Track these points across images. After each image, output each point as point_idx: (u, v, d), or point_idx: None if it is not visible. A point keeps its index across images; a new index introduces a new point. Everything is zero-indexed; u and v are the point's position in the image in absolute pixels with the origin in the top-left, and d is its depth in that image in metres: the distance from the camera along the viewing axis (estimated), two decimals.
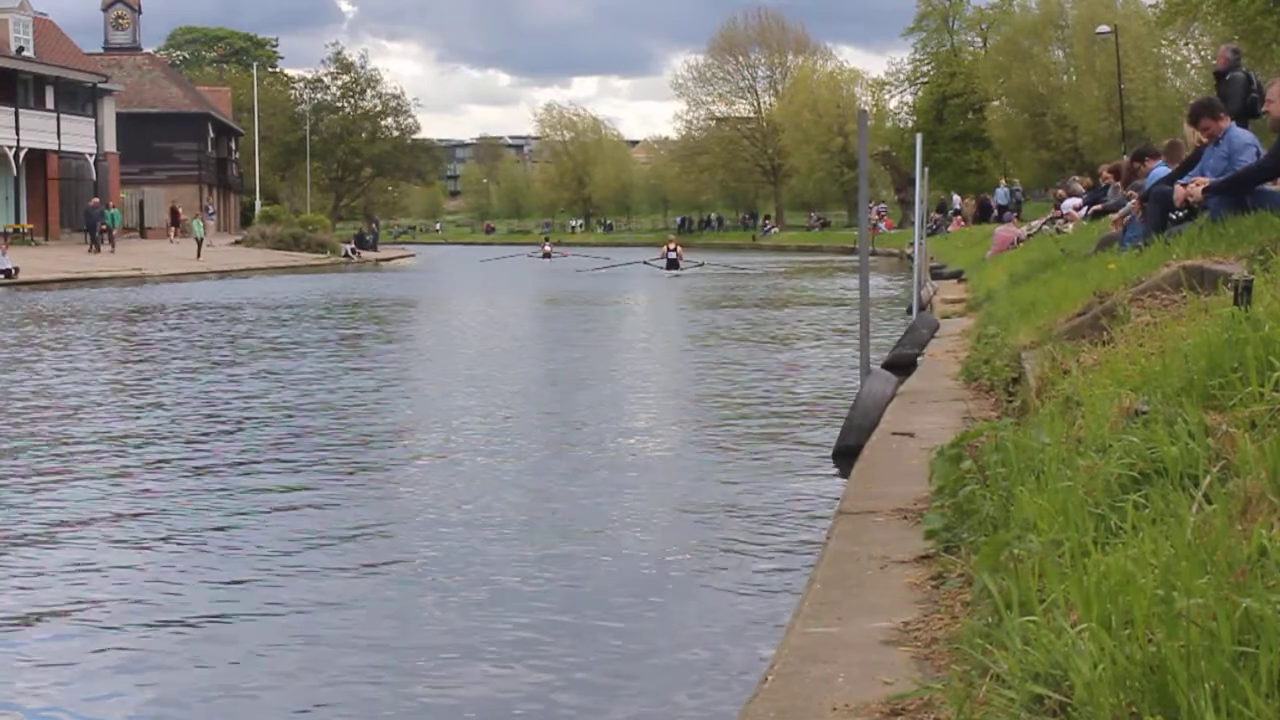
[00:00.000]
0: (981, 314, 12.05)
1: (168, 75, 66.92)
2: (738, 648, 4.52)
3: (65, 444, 8.73)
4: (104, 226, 42.50)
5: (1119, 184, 15.26)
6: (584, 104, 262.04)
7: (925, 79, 73.68)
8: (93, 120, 50.70)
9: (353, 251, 52.72)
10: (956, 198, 52.63)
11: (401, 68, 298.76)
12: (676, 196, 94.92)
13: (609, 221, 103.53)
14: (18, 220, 44.78)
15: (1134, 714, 2.05)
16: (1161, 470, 3.13)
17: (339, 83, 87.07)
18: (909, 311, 14.92)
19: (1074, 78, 57.82)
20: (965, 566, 3.56)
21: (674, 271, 36.28)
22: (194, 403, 10.80)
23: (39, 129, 46.54)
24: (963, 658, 2.66)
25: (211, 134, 66.11)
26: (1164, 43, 50.87)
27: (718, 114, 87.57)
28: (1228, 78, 14.60)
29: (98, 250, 41.33)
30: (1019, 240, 20.57)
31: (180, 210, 53.98)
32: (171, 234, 51.01)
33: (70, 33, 55.30)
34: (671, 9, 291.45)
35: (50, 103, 47.89)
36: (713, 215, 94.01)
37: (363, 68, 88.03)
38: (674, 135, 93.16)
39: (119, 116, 55.10)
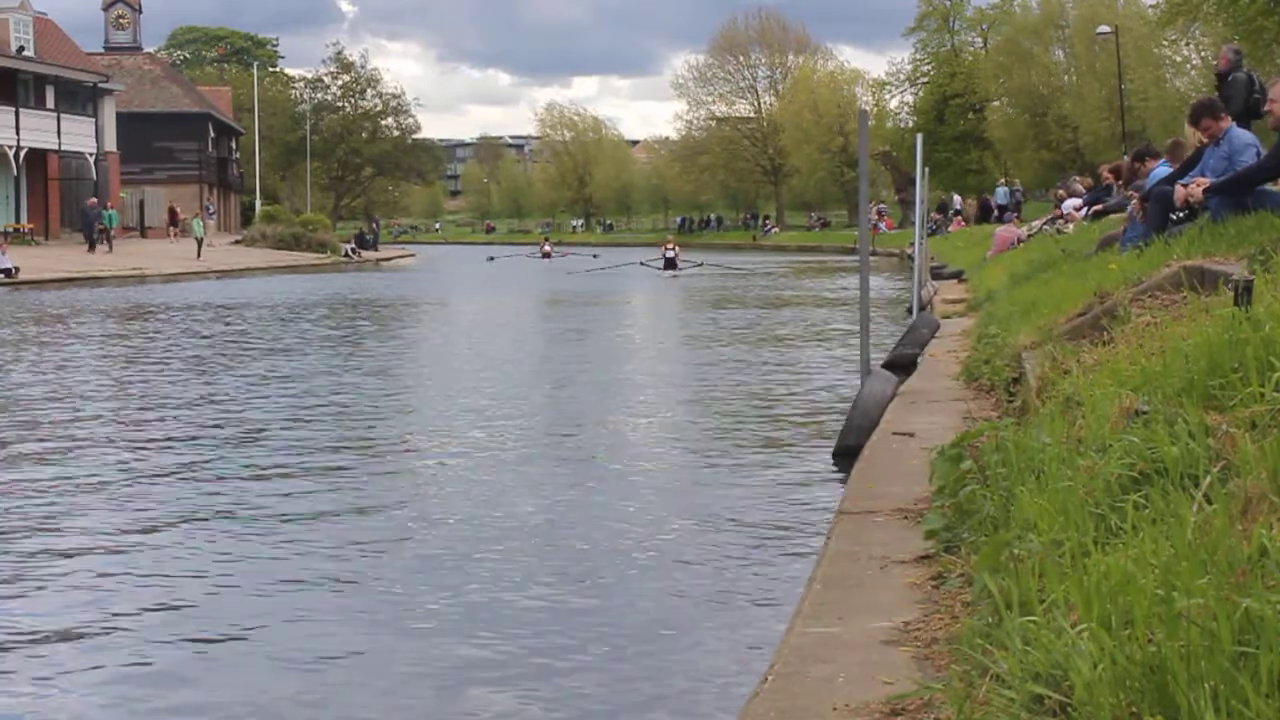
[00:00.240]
0: (982, 314, 12.05)
1: (168, 75, 66.91)
2: (737, 647, 4.52)
3: (65, 444, 8.74)
4: (101, 226, 42.50)
5: (1120, 184, 15.28)
6: (584, 104, 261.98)
7: (926, 79, 73.68)
8: (93, 120, 50.70)
9: (353, 251, 52.72)
10: (957, 198, 52.72)
11: (402, 67, 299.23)
12: (677, 196, 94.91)
13: (609, 221, 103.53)
14: (18, 220, 44.80)
15: (1134, 714, 2.05)
16: (1162, 470, 3.13)
17: (339, 82, 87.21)
18: (909, 311, 14.91)
19: (1074, 78, 57.80)
20: (965, 566, 3.56)
21: (672, 271, 36.27)
22: (194, 403, 10.80)
23: (39, 129, 46.54)
24: (963, 658, 2.66)
25: (212, 134, 66.10)
26: (1164, 43, 50.86)
27: (718, 114, 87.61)
28: (1230, 78, 14.60)
29: (95, 250, 41.33)
30: (1019, 240, 20.57)
31: (178, 210, 53.99)
32: (171, 234, 51.01)
33: (71, 32, 55.40)
34: (672, 9, 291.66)
35: (50, 102, 47.90)
36: (713, 215, 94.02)
37: (363, 67, 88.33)
38: (674, 135, 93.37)
39: (119, 116, 55.09)
